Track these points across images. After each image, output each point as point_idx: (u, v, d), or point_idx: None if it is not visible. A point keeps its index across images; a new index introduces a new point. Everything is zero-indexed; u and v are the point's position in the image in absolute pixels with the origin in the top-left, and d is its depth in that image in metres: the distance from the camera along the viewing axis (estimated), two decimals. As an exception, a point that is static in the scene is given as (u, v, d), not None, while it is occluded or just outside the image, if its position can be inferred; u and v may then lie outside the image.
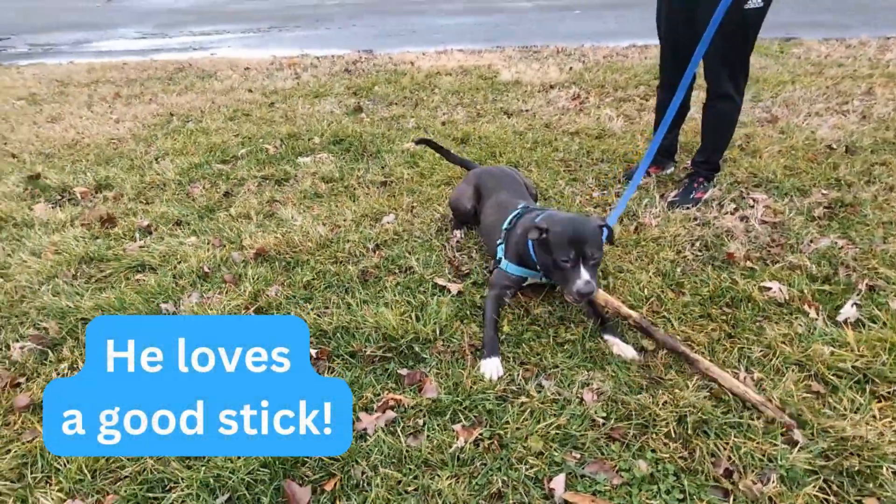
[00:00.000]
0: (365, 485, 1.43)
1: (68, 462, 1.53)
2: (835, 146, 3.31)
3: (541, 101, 4.48)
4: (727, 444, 1.48)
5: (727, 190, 2.89)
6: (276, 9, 13.36)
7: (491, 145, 3.61)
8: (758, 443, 1.48)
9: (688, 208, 2.71)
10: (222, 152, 3.80)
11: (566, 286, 1.84)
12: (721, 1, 2.14)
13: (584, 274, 1.79)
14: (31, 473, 1.53)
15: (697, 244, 2.42)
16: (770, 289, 2.09)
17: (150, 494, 1.44)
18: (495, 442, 1.52)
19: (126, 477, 1.50)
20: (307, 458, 1.49)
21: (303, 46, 8.02)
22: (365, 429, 1.58)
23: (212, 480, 1.44)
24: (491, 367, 1.75)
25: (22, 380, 1.89)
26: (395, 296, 2.13)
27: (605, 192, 2.95)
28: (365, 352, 1.86)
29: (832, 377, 1.68)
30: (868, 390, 1.63)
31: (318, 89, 5.26)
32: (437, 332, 1.93)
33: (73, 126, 4.69)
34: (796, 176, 3.00)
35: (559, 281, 1.91)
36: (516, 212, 2.21)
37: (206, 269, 2.41)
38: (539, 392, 1.67)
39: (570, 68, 5.34)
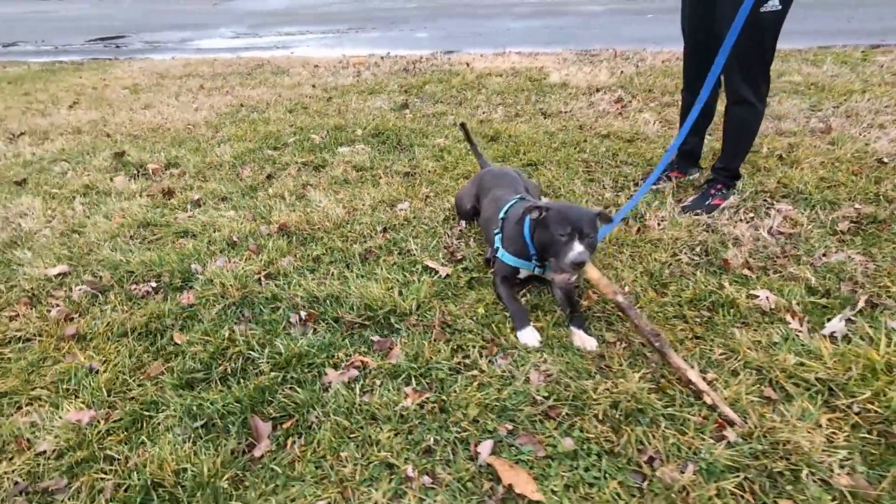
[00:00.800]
0: (316, 427, 1.62)
1: (92, 382, 1.85)
2: (887, 160, 3.08)
3: (582, 104, 4.49)
4: (657, 433, 1.52)
5: (750, 198, 2.80)
6: (357, 11, 14.06)
7: (518, 144, 3.70)
8: (689, 437, 1.50)
9: (699, 214, 2.67)
10: (275, 140, 4.18)
11: (559, 259, 1.89)
12: (743, 2, 2.11)
13: (579, 246, 1.86)
14: (64, 386, 1.86)
15: (697, 249, 2.40)
16: (757, 297, 2.05)
17: (146, 413, 1.72)
18: (437, 406, 1.66)
19: (131, 398, 1.79)
20: (273, 398, 1.70)
21: (374, 47, 8.45)
22: (330, 382, 1.77)
23: (194, 408, 1.70)
24: (528, 336, 1.89)
25: (75, 315, 2.26)
26: (386, 273, 2.32)
27: (619, 193, 2.95)
28: (347, 318, 2.05)
29: (791, 385, 1.65)
30: (822, 401, 1.59)
31: (374, 86, 5.58)
32: (414, 308, 2.08)
33: (161, 113, 5.32)
34: (832, 188, 2.84)
35: (553, 255, 1.95)
36: (512, 202, 2.31)
37: (235, 239, 2.72)
38: (490, 367, 1.78)
39: (622, 72, 5.26)
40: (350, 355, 1.89)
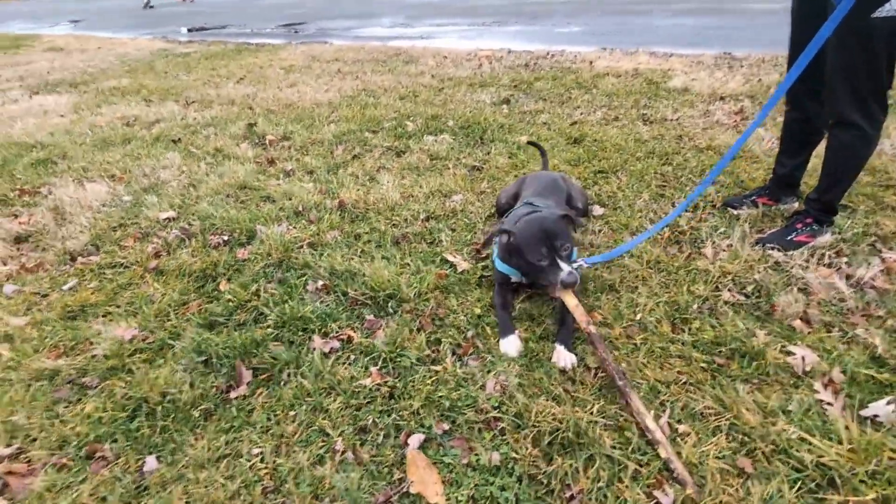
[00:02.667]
0: (282, 383, 1.79)
1: (147, 308, 2.25)
2: None
3: (695, 112, 4.05)
4: (590, 472, 1.41)
5: (853, 240, 2.33)
6: (507, 5, 14.08)
7: (600, 149, 3.49)
8: (622, 485, 1.37)
9: (776, 249, 2.30)
10: (376, 123, 4.48)
11: (549, 282, 1.86)
12: (838, 6, 1.78)
13: (564, 266, 1.81)
14: (131, 308, 2.29)
15: (749, 288, 2.09)
16: (792, 354, 1.74)
17: (170, 341, 2.05)
18: (390, 391, 1.72)
19: (166, 328, 2.15)
20: (257, 351, 1.92)
21: (510, 40, 8.46)
22: (314, 348, 1.94)
23: (203, 345, 1.98)
24: (508, 345, 1.87)
25: (164, 253, 2.74)
26: (406, 259, 2.41)
27: (689, 215, 2.65)
28: (352, 294, 2.20)
29: (778, 462, 1.40)
30: (807, 489, 1.32)
31: (487, 80, 5.63)
32: (414, 296, 2.15)
33: (298, 91, 6.00)
34: (976, 244, 2.24)
35: (541, 280, 1.92)
36: (514, 209, 2.26)
37: (301, 209, 3.03)
38: (454, 366, 1.79)
39: (759, 80, 4.60)
40: (342, 328, 2.04)
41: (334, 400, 1.71)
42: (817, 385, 1.61)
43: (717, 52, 5.96)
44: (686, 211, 2.70)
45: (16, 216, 3.28)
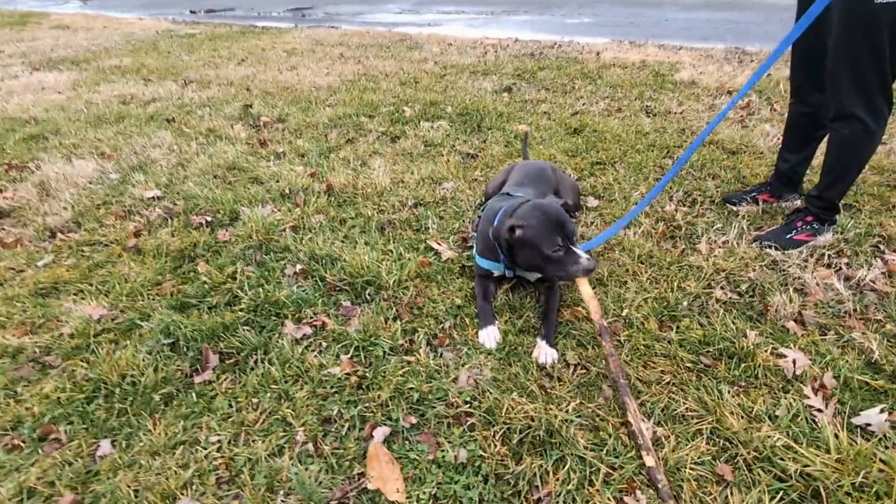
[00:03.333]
0: (248, 370, 1.73)
1: (130, 283, 2.18)
2: None
3: (701, 106, 3.93)
4: (559, 474, 1.34)
5: (855, 241, 2.23)
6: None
7: (599, 140, 3.39)
8: (594, 489, 1.30)
9: (774, 247, 2.20)
10: (373, 108, 4.38)
11: (565, 273, 1.73)
12: None
13: (582, 253, 1.72)
14: (104, 286, 2.23)
15: (742, 287, 2.00)
16: (784, 357, 1.65)
17: (139, 322, 1.98)
18: (359, 381, 1.65)
19: (137, 308, 2.08)
20: (226, 335, 1.85)
21: (518, 30, 8.30)
22: (286, 334, 1.86)
23: (171, 327, 1.91)
24: (486, 336, 1.79)
25: (144, 232, 2.68)
26: (389, 245, 2.33)
27: (686, 209, 2.55)
28: (330, 279, 2.12)
29: (759, 470, 1.32)
30: (789, 499, 1.24)
31: (490, 68, 5.51)
32: (395, 283, 2.07)
33: (298, 75, 5.90)
34: None
35: (555, 271, 1.77)
36: (489, 203, 2.17)
37: (288, 191, 2.95)
38: (428, 357, 1.71)
39: (769, 75, 4.46)
40: (317, 314, 1.96)
41: (301, 388, 1.64)
42: (807, 390, 1.52)
43: (728, 47, 5.80)
44: (683, 205, 2.60)
45: (0, 191, 3.22)
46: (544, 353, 1.70)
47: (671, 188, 2.74)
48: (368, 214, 2.65)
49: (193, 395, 1.63)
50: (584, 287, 1.77)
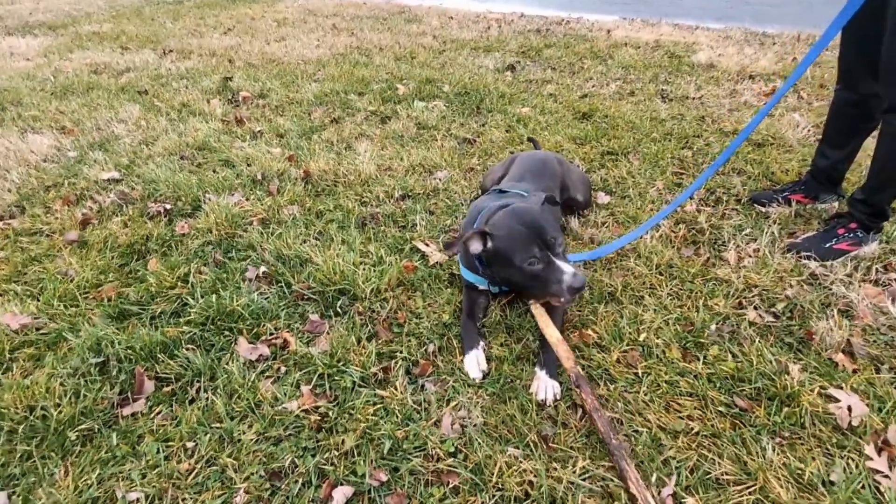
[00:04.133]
0: (188, 401, 1.43)
1: (66, 284, 1.87)
2: None
3: (721, 91, 3.58)
4: (564, 558, 1.05)
5: (906, 254, 1.93)
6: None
7: (611, 126, 3.05)
8: (608, 581, 1.02)
9: (812, 258, 1.90)
10: (364, 85, 4.02)
11: (549, 290, 1.43)
12: None
13: (566, 266, 1.41)
14: (35, 287, 1.92)
15: (779, 306, 1.70)
16: (836, 401, 1.36)
17: (67, 335, 1.68)
18: (321, 421, 1.36)
19: (70, 315, 1.77)
20: (173, 354, 1.55)
21: (523, 4, 7.84)
22: (239, 355, 1.56)
23: (103, 343, 1.61)
24: (470, 364, 1.49)
25: (95, 221, 2.35)
26: (368, 246, 2.02)
27: (709, 209, 2.24)
28: (297, 287, 1.82)
29: (817, 561, 1.04)
30: None
31: (493, 44, 5.11)
32: (372, 292, 1.77)
33: (286, 46, 5.49)
34: None
35: (537, 289, 1.48)
36: (477, 201, 1.85)
37: (261, 177, 2.62)
38: (406, 391, 1.42)
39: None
40: (278, 329, 1.66)
41: (249, 428, 1.34)
42: (869, 449, 1.24)
43: (747, 28, 5.41)
44: (705, 205, 2.29)
45: (-61, 168, 2.88)
46: (544, 386, 1.41)
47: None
48: (349, 207, 2.33)
49: (116, 434, 1.34)
50: (548, 328, 1.47)
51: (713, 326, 1.62)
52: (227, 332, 1.64)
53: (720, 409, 1.37)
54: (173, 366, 1.51)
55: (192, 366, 1.51)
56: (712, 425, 1.32)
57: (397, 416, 1.34)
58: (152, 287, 1.84)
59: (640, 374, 1.46)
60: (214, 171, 2.74)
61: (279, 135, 3.21)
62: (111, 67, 4.90)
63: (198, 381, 1.47)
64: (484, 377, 1.46)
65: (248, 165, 2.76)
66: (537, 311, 1.51)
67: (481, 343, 1.53)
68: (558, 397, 1.41)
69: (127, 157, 2.94)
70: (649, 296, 1.76)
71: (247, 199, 2.42)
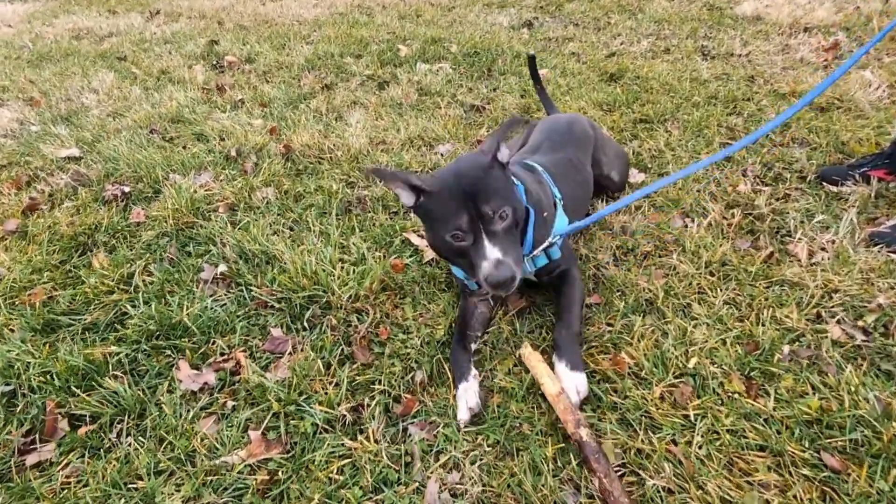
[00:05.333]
0: (106, 448, 1.12)
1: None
2: None
3: (770, 47, 3.08)
4: None
5: None
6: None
7: (644, 89, 2.61)
8: None
9: (901, 253, 1.51)
10: (362, 46, 3.60)
11: (475, 274, 1.12)
12: None
13: (491, 251, 1.08)
14: None
15: (870, 319, 1.31)
16: (967, 465, 0.99)
17: None
18: (270, 479, 1.03)
19: None
20: (96, 385, 1.23)
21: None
22: (179, 382, 1.24)
23: (12, 366, 1.30)
24: (460, 401, 1.15)
25: (43, 206, 2.04)
26: (350, 239, 1.67)
27: (763, 189, 1.83)
28: (259, 292, 1.48)
29: None
30: None
31: (507, -2, 4.60)
32: (349, 300, 1.43)
33: (282, 6, 5.04)
34: None
35: (467, 271, 1.18)
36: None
37: (235, 153, 2.28)
38: (384, 440, 1.09)
39: (857, 7, 3.54)
40: (232, 347, 1.34)
41: (177, 490, 1.03)
42: None
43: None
44: (764, 185, 1.88)
45: None
46: (568, 380, 1.09)
47: (744, 158, 2.00)
48: (333, 189, 1.97)
49: (16, 494, 1.04)
50: (544, 378, 1.13)
51: (785, 348, 1.25)
52: (168, 352, 1.32)
53: (804, 470, 1.01)
54: (95, 399, 1.19)
55: (120, 400, 1.19)
56: (794, 496, 0.97)
57: (367, 477, 1.02)
58: (89, 291, 1.52)
59: (692, 418, 1.11)
60: (185, 148, 2.40)
61: (262, 104, 2.84)
62: (93, 33, 4.54)
63: (123, 421, 1.16)
64: (476, 419, 1.12)
65: (222, 140, 2.41)
66: (528, 354, 1.16)
67: (473, 372, 1.18)
68: (584, 395, 1.08)
69: (92, 132, 2.61)
70: (699, 304, 1.39)
71: (218, 180, 2.07)
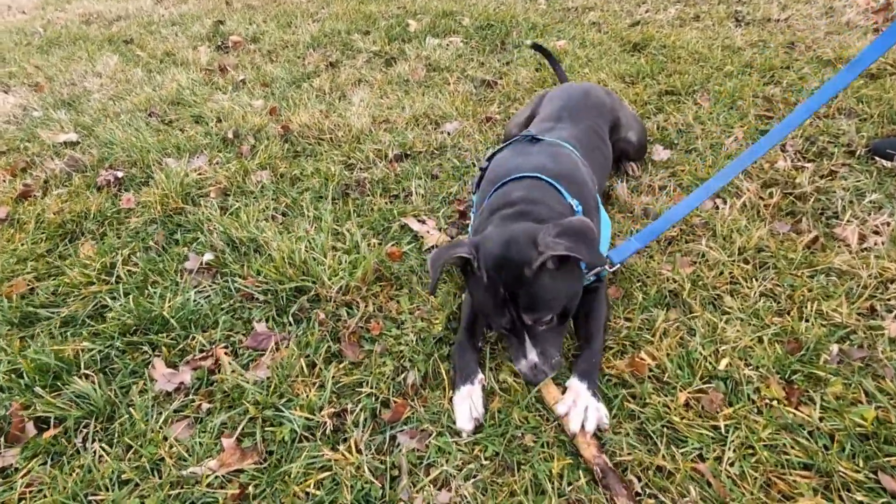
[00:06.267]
0: (71, 455, 1.03)
1: None
2: None
3: (812, 10, 2.81)
4: None
5: None
6: None
7: (671, 59, 2.40)
8: None
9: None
10: (370, 22, 3.44)
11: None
12: None
13: (531, 353, 0.98)
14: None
15: (936, 317, 1.13)
16: None
17: None
18: (240, 495, 0.93)
19: None
20: (66, 383, 1.15)
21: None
22: (154, 382, 1.15)
23: None
24: (461, 406, 1.01)
25: (37, 193, 1.97)
26: (345, 223, 1.55)
27: (814, 165, 1.63)
28: (245, 283, 1.37)
29: None
30: None
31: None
32: (339, 291, 1.31)
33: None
34: None
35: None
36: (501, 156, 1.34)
37: (232, 135, 2.17)
38: (368, 451, 0.97)
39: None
40: (213, 343, 1.23)
41: (146, 498, 0.93)
42: None
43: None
44: (806, 162, 1.68)
45: None
46: (581, 408, 0.94)
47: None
48: (331, 171, 1.85)
49: (-38, 508, 0.96)
50: (556, 404, 0.99)
51: (833, 348, 1.08)
52: (145, 348, 1.23)
53: (858, 496, 0.85)
54: (63, 401, 1.10)
55: (89, 402, 1.10)
56: (847, 526, 0.82)
57: (347, 495, 0.90)
58: (69, 282, 1.43)
59: (723, 430, 0.96)
60: (182, 131, 2.30)
61: (265, 84, 2.72)
62: (103, 17, 4.48)
63: (91, 425, 1.07)
64: (478, 429, 0.99)
65: (219, 122, 2.30)
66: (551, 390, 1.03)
67: (479, 375, 1.05)
68: (605, 427, 0.94)
69: (92, 116, 2.53)
70: (731, 296, 1.22)
71: (210, 164, 1.97)
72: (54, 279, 1.48)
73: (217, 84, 2.79)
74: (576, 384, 1.00)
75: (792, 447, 0.92)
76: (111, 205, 1.80)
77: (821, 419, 0.96)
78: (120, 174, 1.99)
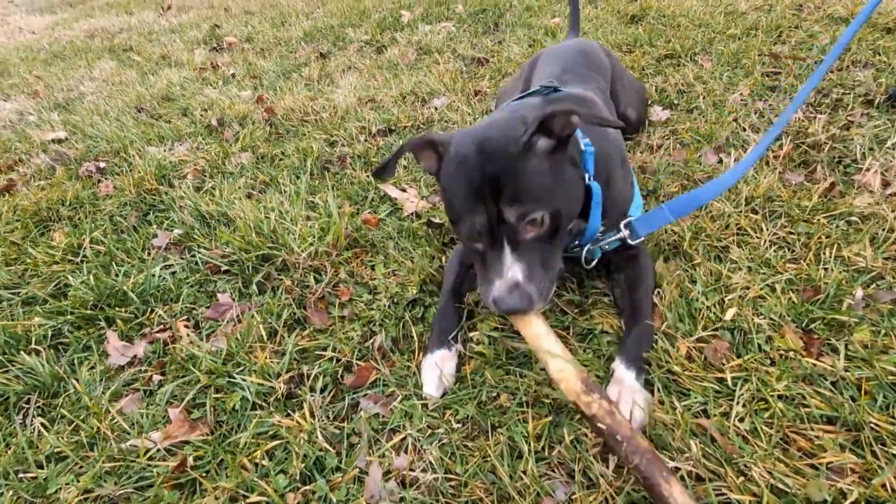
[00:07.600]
0: (9, 434, 0.94)
1: None
2: None
3: (822, -28, 2.67)
4: None
5: None
6: None
7: (670, 26, 2.29)
8: None
9: None
10: (364, 18, 3.40)
11: (480, 285, 0.84)
12: None
13: (509, 264, 0.78)
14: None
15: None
16: None
17: None
18: (180, 466, 0.83)
19: None
20: (12, 359, 1.07)
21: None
22: (107, 355, 1.06)
23: None
24: (429, 371, 0.89)
25: (20, 185, 1.93)
26: (321, 194, 1.46)
27: (828, 116, 1.50)
28: (211, 255, 1.29)
29: None
30: None
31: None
32: (310, 257, 1.21)
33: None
34: None
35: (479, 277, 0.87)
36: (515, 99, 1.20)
37: (216, 122, 2.11)
38: (322, 417, 0.87)
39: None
40: (174, 315, 1.15)
41: (77, 479, 0.84)
42: None
43: None
44: (818, 111, 1.55)
45: None
46: (627, 395, 0.80)
47: (795, 84, 1.67)
48: (312, 148, 1.77)
49: None
50: (539, 340, 0.80)
51: (858, 292, 0.94)
52: (101, 324, 1.15)
53: (893, 449, 0.72)
54: (20, 376, 1.03)
55: (37, 376, 1.02)
56: (884, 485, 0.68)
57: (296, 461, 0.79)
58: (31, 262, 1.37)
59: (729, 382, 0.83)
60: (168, 122, 2.26)
61: (254, 76, 2.68)
62: (106, 31, 4.54)
63: (34, 400, 0.99)
64: (445, 394, 0.88)
65: (206, 110, 2.25)
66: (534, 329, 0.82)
67: (457, 344, 0.93)
68: (646, 415, 0.80)
69: (84, 116, 2.51)
70: (739, 246, 1.10)
71: (193, 149, 1.91)
72: (21, 264, 1.41)
73: (208, 80, 2.75)
74: (622, 372, 0.83)
75: (813, 398, 0.79)
76: (89, 193, 1.75)
77: (846, 369, 0.83)
78: (102, 164, 1.94)
